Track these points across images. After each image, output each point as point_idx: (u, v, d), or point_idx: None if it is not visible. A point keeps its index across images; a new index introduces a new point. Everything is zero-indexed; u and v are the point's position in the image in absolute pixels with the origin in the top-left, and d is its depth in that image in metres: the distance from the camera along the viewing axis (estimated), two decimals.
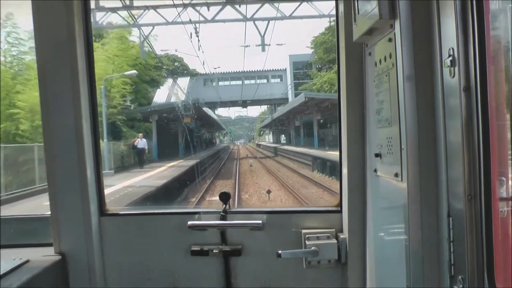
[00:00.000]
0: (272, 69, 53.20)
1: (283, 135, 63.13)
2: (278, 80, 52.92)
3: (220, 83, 51.49)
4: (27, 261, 2.40)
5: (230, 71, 53.02)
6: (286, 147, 45.42)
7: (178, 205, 17.05)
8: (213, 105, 47.69)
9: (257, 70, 52.49)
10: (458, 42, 1.48)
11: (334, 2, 2.41)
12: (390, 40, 1.78)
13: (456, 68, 1.49)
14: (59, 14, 2.44)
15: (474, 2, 1.44)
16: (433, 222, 1.68)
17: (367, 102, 2.25)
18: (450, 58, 1.52)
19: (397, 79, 1.73)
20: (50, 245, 2.57)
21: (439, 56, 1.61)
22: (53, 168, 2.53)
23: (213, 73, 49.61)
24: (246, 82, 51.12)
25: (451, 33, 1.51)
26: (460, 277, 1.54)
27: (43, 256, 2.50)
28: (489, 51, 1.44)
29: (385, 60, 1.87)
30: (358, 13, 1.99)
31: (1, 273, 2.19)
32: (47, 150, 2.53)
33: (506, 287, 1.44)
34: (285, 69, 53.55)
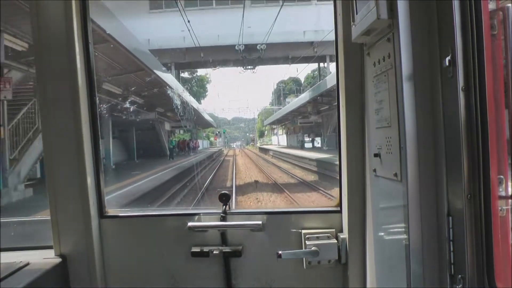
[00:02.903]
0: None
1: (307, 135, 37.06)
2: None
3: (193, 8, 22.58)
4: (27, 264, 2.40)
5: None
6: None
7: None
8: (176, 59, 21.51)
9: None
10: (456, 42, 1.49)
11: (332, 2, 2.41)
12: (388, 40, 1.78)
13: (455, 68, 1.50)
14: (57, 15, 2.44)
15: (473, 1, 1.45)
16: (433, 221, 1.68)
17: (366, 102, 2.25)
18: (449, 58, 1.53)
19: (396, 79, 1.73)
20: (50, 247, 2.57)
21: (438, 56, 1.62)
22: (53, 170, 2.53)
23: None
24: (255, 5, 22.94)
25: (450, 33, 1.51)
26: (460, 276, 1.54)
27: (43, 258, 2.50)
28: (487, 50, 1.44)
29: (384, 60, 1.87)
30: (357, 14, 1.99)
31: (2, 276, 2.19)
32: (46, 152, 2.53)
33: (506, 286, 1.45)
34: None
